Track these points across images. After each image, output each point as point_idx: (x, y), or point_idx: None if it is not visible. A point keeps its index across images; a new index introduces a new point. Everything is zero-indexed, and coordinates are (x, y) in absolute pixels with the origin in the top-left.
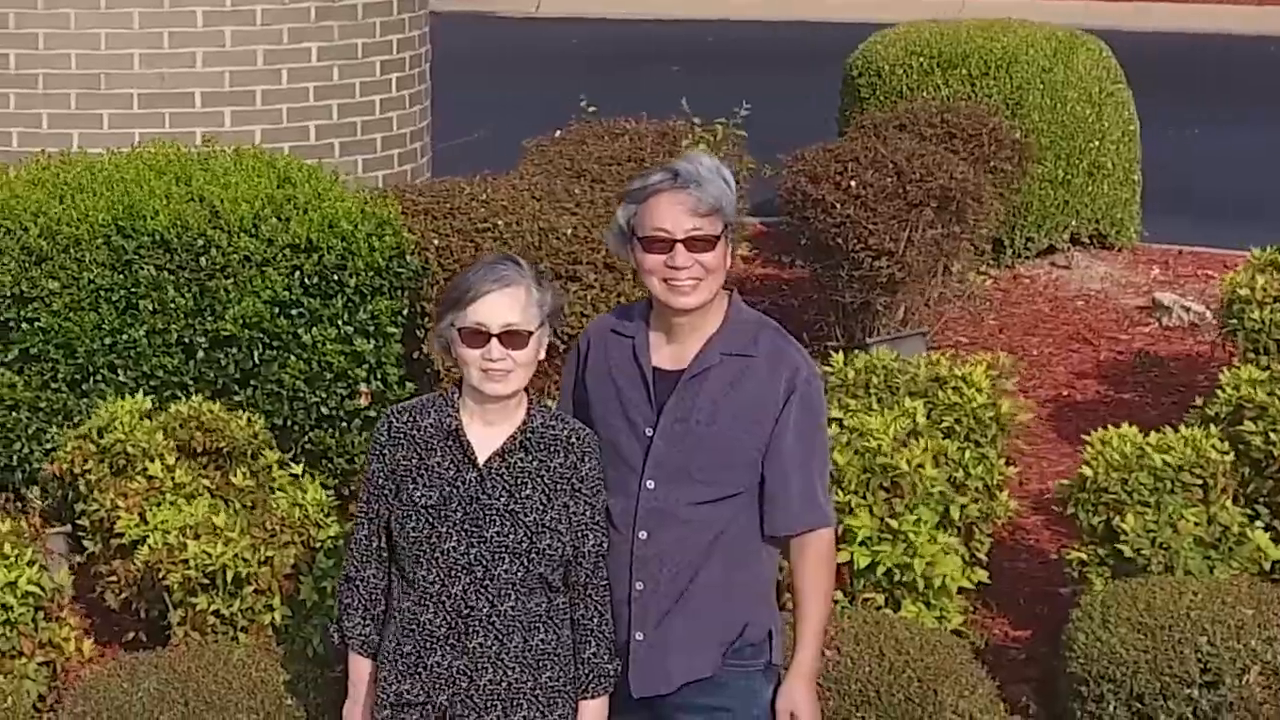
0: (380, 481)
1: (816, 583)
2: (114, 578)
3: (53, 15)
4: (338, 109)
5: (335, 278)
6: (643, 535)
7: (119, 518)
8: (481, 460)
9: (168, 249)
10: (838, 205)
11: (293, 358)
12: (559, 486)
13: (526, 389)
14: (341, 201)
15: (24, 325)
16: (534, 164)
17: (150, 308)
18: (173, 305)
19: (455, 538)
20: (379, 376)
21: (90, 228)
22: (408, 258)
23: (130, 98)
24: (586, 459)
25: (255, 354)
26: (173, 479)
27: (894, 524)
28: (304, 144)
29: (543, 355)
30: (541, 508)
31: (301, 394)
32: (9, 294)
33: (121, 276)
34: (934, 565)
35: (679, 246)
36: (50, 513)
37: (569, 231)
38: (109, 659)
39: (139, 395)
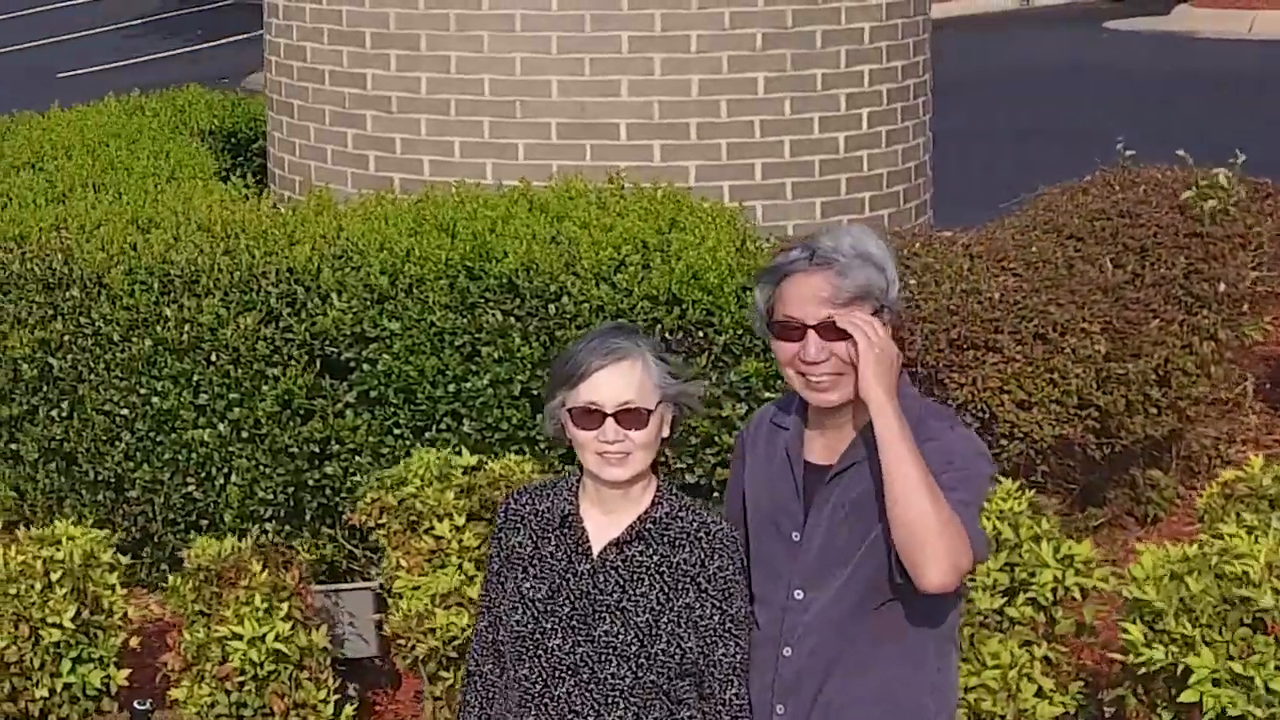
0: (496, 568)
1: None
2: (400, 641)
3: (466, 38)
4: (790, 146)
5: (700, 334)
6: (787, 652)
7: (398, 577)
8: (596, 551)
9: (516, 293)
10: None
11: None
12: (681, 585)
13: (657, 473)
14: (715, 251)
15: (364, 366)
16: (1024, 214)
17: (494, 355)
18: (518, 354)
19: (561, 634)
20: None
21: (435, 267)
22: None
23: (548, 127)
24: (717, 556)
25: None
26: (459, 541)
27: (1238, 667)
28: (747, 183)
29: (666, 433)
30: (658, 608)
31: (663, 459)
32: (349, 333)
33: (465, 320)
34: None
35: (810, 334)
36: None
37: (995, 295)
38: None
39: (460, 451)
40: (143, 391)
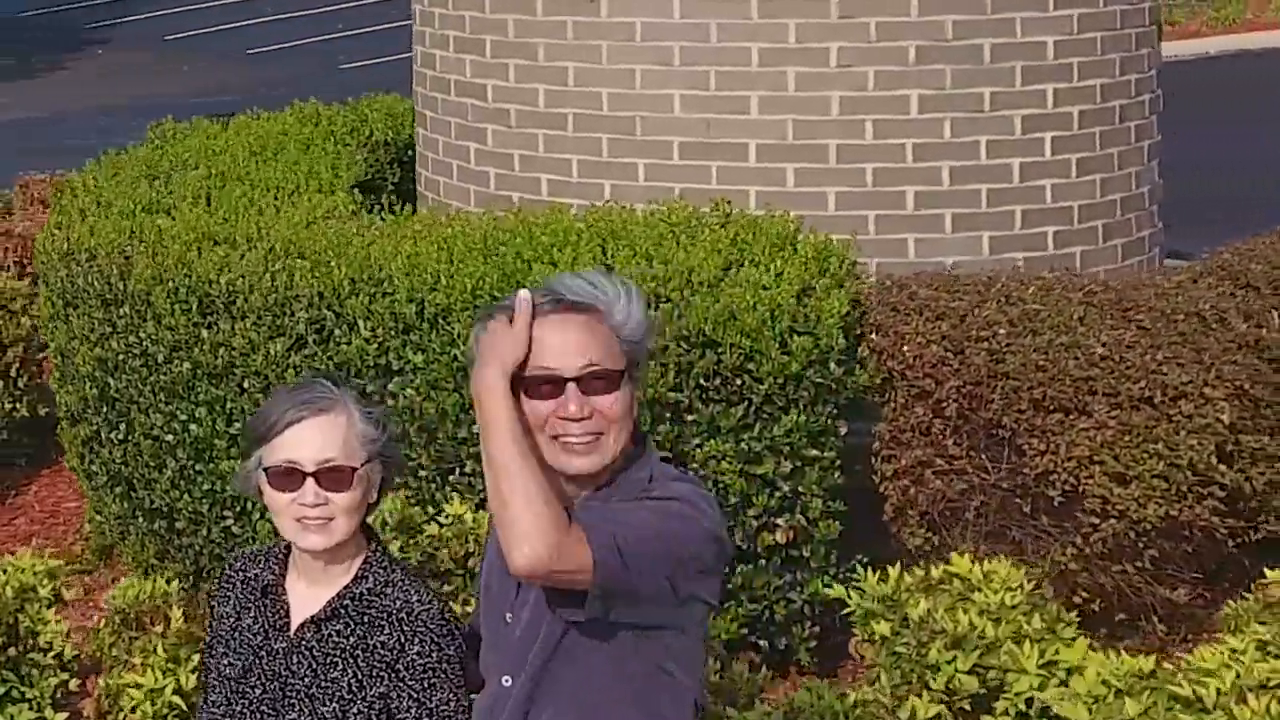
0: (209, 640)
1: None
2: None
3: (583, 48)
4: (949, 173)
5: (738, 381)
6: None
7: None
8: (294, 628)
9: None
10: None
11: None
12: (376, 672)
13: (373, 540)
14: (766, 290)
15: (387, 401)
16: (1212, 258)
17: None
18: None
19: None
20: (800, 510)
21: (462, 296)
22: (832, 366)
23: (669, 146)
24: (418, 640)
25: None
26: None
27: None
28: (896, 213)
29: (374, 497)
30: (348, 697)
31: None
32: (373, 364)
33: None
34: None
35: (570, 388)
36: None
37: (1098, 351)
38: None
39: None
40: (182, 417)
